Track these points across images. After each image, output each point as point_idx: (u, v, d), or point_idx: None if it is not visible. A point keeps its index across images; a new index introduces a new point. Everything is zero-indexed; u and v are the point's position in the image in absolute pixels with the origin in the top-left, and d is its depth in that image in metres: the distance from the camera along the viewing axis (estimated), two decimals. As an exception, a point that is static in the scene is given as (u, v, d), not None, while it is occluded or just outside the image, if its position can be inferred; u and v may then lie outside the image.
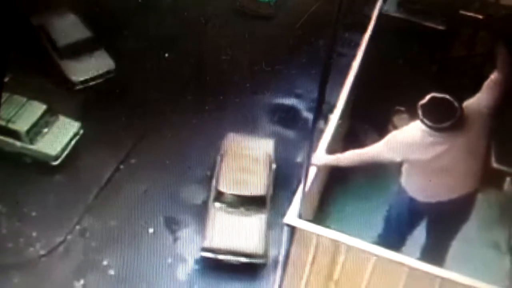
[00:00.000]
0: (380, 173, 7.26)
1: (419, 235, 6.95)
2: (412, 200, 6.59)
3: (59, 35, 16.13)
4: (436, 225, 6.75)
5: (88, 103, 15.18)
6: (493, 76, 6.33)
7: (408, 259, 6.00)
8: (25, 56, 14.44)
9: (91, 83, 15.77)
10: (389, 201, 7.08)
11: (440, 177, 6.34)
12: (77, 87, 15.67)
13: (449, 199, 6.40)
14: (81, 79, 15.71)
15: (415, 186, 6.54)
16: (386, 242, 6.51)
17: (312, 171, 6.84)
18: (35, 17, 16.53)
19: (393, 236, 6.92)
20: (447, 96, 6.13)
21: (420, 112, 6.12)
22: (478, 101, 6.31)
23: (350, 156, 6.58)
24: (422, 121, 6.13)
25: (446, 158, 6.21)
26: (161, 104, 14.92)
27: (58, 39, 16.09)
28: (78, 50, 15.96)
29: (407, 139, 6.25)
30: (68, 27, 16.29)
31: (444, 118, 6.06)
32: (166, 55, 15.40)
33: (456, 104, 6.08)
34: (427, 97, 6.16)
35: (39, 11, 16.56)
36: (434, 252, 6.79)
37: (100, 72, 15.86)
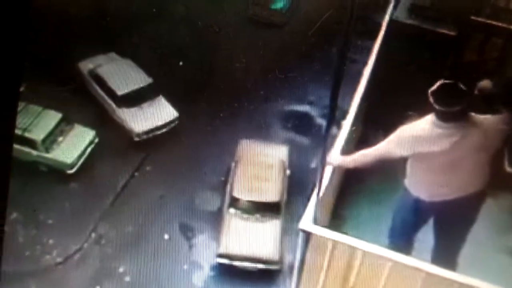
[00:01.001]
0: (393, 177, 7.30)
1: (429, 239, 6.96)
2: (416, 200, 6.62)
3: (118, 83, 15.14)
4: (443, 226, 6.77)
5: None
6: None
7: (425, 264, 6.04)
8: (39, 65, 14.56)
9: (154, 134, 14.80)
10: (393, 206, 7.11)
11: (447, 173, 6.38)
12: (138, 139, 14.72)
13: (454, 198, 6.43)
14: (144, 129, 14.74)
15: (420, 184, 6.58)
16: (394, 247, 6.54)
17: (326, 177, 6.90)
18: (84, 63, 15.66)
19: (401, 241, 6.94)
20: (457, 82, 6.28)
21: (431, 99, 6.22)
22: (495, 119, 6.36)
23: (363, 156, 6.66)
24: (433, 108, 6.22)
25: (454, 152, 6.26)
26: (175, 111, 14.96)
27: (117, 87, 15.09)
28: (139, 98, 15.04)
29: (416, 132, 6.36)
30: (126, 73, 15.26)
31: (454, 102, 6.16)
32: (180, 63, 15.44)
33: (465, 88, 6.22)
34: (437, 83, 6.29)
35: (86, 55, 15.64)
36: (444, 255, 6.81)
37: (164, 122, 14.85)
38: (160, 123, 14.83)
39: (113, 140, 14.45)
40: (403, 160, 6.55)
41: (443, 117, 6.24)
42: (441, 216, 6.67)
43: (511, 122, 6.32)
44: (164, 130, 14.78)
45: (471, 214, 6.64)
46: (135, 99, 15.03)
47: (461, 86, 6.24)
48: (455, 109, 6.19)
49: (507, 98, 6.53)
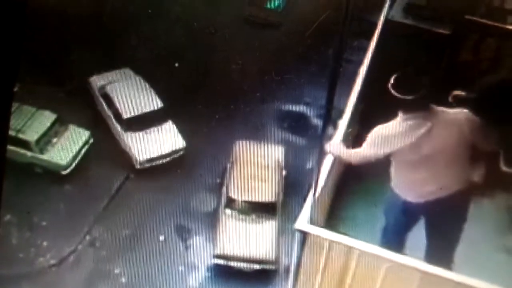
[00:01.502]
0: (388, 178, 7.30)
1: (421, 237, 6.97)
2: (404, 202, 6.68)
3: (126, 104, 14.34)
4: (433, 226, 6.81)
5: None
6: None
7: (422, 263, 6.03)
8: (33, 65, 14.48)
9: (157, 163, 13.99)
10: (383, 208, 7.16)
11: (427, 170, 6.45)
12: (139, 167, 13.97)
13: (439, 197, 6.48)
14: (147, 158, 13.95)
15: (404, 185, 6.66)
16: (387, 247, 6.55)
17: (323, 178, 6.89)
18: (95, 79, 15.03)
19: (393, 241, 6.97)
20: (414, 71, 6.48)
21: (391, 90, 6.37)
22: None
23: (355, 154, 6.76)
24: (396, 100, 6.34)
25: (426, 146, 6.35)
26: (170, 113, 14.69)
27: (124, 108, 14.31)
28: (146, 122, 14.18)
29: (387, 129, 6.51)
30: (136, 94, 14.38)
31: (412, 90, 6.35)
32: (176, 64, 15.36)
33: (424, 79, 6.36)
34: (394, 75, 6.47)
35: (98, 69, 15.01)
36: (438, 254, 6.82)
37: (169, 151, 14.02)
38: (165, 152, 14.07)
39: (108, 140, 14.38)
40: (387, 163, 6.65)
41: (406, 108, 6.42)
42: (430, 216, 6.73)
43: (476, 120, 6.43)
44: (168, 159, 14.05)
45: (459, 212, 6.71)
46: (142, 123, 14.25)
47: (417, 74, 6.42)
48: (414, 97, 6.35)
49: (480, 105, 6.60)
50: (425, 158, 6.40)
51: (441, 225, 6.69)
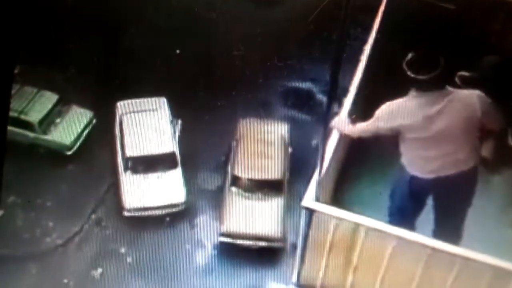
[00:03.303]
0: (395, 156, 7.29)
1: (428, 221, 6.96)
2: (413, 178, 6.67)
3: (134, 141, 12.92)
4: (441, 203, 6.82)
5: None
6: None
7: (429, 239, 6.04)
8: (33, 46, 14.37)
9: (148, 213, 12.56)
10: (391, 183, 7.16)
11: (436, 147, 6.47)
12: (127, 214, 12.59)
13: (449, 174, 6.48)
14: (137, 206, 12.56)
15: (413, 161, 6.66)
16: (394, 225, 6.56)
17: (328, 155, 6.87)
18: (122, 104, 13.79)
19: (400, 221, 6.96)
20: (430, 50, 6.43)
21: (406, 69, 6.36)
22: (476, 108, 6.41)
23: (361, 129, 6.77)
24: (411, 79, 6.29)
25: (437, 123, 6.33)
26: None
27: (130, 146, 12.96)
28: (149, 165, 12.86)
29: (398, 105, 6.53)
30: (150, 133, 12.95)
31: (428, 70, 6.32)
32: (178, 51, 15.17)
33: (441, 59, 6.33)
34: (410, 54, 6.44)
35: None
36: (446, 233, 6.83)
37: (165, 203, 12.60)
38: (160, 203, 12.59)
39: (111, 121, 14.33)
40: (393, 141, 6.64)
41: (420, 86, 6.39)
42: (439, 192, 6.72)
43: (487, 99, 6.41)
44: (163, 212, 12.58)
45: (469, 188, 6.70)
46: (144, 165, 12.89)
47: (434, 53, 6.36)
48: (430, 76, 6.32)
49: (485, 84, 6.61)
50: (435, 136, 6.39)
51: (450, 202, 6.69)
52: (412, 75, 6.37)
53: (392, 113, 6.50)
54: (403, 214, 6.97)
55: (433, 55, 6.42)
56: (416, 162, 6.63)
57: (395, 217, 7.00)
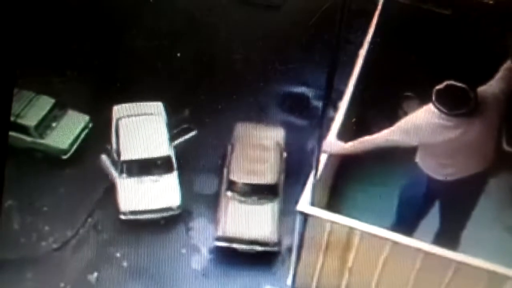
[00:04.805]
0: (389, 159, 7.31)
1: (431, 222, 6.97)
2: (428, 178, 6.67)
3: (129, 145, 12.91)
4: (449, 207, 6.82)
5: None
6: (507, 65, 6.39)
7: (423, 244, 6.05)
8: (30, 50, 14.36)
9: (144, 217, 12.57)
10: (403, 182, 7.15)
11: (452, 157, 6.43)
12: (123, 217, 12.62)
13: (460, 177, 6.48)
14: (133, 209, 12.56)
15: (429, 164, 6.63)
16: (400, 226, 6.57)
17: (323, 159, 6.89)
18: (118, 108, 13.67)
19: (406, 220, 6.98)
20: (463, 85, 6.21)
21: (434, 97, 6.20)
22: (493, 88, 6.36)
23: (362, 143, 6.67)
24: (435, 105, 6.19)
25: (458, 143, 6.28)
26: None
27: (125, 149, 12.92)
28: (144, 169, 12.83)
29: (420, 122, 6.36)
30: (146, 136, 12.97)
31: (458, 106, 6.14)
32: (178, 54, 15.15)
33: (471, 94, 6.16)
34: (444, 84, 6.24)
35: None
36: (448, 236, 6.85)
37: (160, 206, 12.59)
38: (155, 207, 12.62)
39: (108, 125, 14.33)
40: (411, 146, 6.59)
41: (447, 115, 6.30)
42: (448, 196, 6.72)
43: (505, 91, 6.37)
44: (159, 215, 12.60)
45: (476, 193, 6.72)
46: (139, 168, 12.89)
47: (468, 90, 6.20)
48: (457, 112, 6.15)
49: None
50: (454, 149, 6.34)
51: (456, 205, 6.71)
52: (439, 108, 6.21)
53: (415, 128, 6.38)
54: (412, 214, 6.98)
55: (467, 91, 6.22)
56: (431, 166, 6.62)
57: (402, 217, 7.00)
